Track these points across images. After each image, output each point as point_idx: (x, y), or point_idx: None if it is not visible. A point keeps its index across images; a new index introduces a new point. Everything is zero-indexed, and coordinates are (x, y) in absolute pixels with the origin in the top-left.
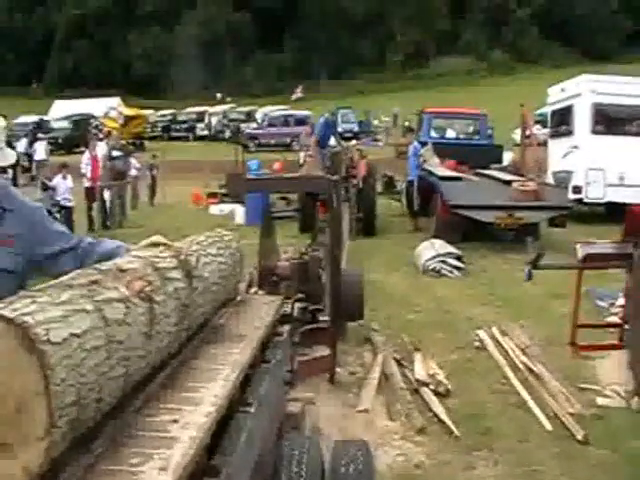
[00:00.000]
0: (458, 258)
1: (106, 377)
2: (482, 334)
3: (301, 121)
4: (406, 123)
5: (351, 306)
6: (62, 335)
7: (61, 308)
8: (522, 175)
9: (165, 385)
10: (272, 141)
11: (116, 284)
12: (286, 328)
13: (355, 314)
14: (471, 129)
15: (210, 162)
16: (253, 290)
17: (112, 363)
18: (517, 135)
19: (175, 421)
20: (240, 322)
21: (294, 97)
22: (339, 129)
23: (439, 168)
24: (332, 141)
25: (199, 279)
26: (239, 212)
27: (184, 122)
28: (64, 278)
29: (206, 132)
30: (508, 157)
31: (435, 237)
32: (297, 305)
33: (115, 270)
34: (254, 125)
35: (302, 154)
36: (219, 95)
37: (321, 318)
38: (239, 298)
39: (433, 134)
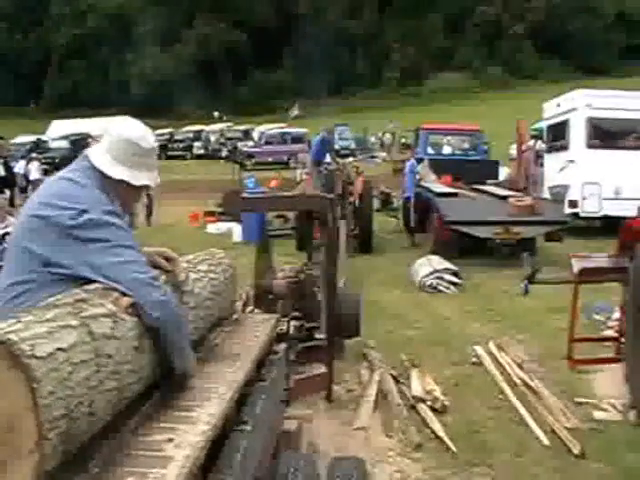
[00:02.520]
0: (455, 274)
1: (97, 391)
2: (479, 350)
3: (298, 139)
4: (402, 140)
5: (348, 323)
6: (47, 350)
7: (46, 325)
8: (518, 190)
9: (160, 404)
10: (269, 159)
11: (102, 301)
12: (282, 346)
13: (352, 331)
14: (467, 145)
15: (207, 180)
16: (249, 309)
17: (102, 377)
18: (513, 150)
19: (170, 440)
20: (236, 340)
21: (292, 115)
22: (336, 146)
23: (436, 184)
24: (328, 158)
25: (189, 294)
26: (236, 230)
27: (181, 141)
28: (50, 299)
29: (203, 151)
30: (504, 172)
31: (432, 253)
32: (293, 323)
33: (101, 288)
34: (251, 143)
35: (299, 172)
36: (216, 114)
37: (317, 336)
38: (235, 317)
39: (430, 150)
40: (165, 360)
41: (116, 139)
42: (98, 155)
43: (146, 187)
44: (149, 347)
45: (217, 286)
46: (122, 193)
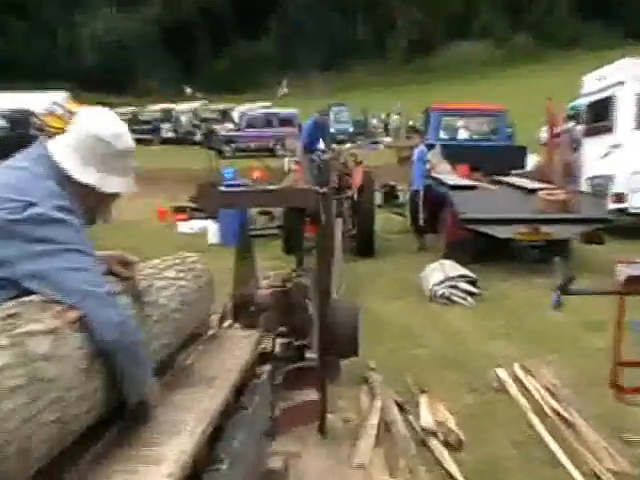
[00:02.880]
0: (472, 282)
1: (33, 424)
2: (502, 373)
3: (286, 121)
4: (410, 123)
5: (344, 341)
6: None
7: None
8: (549, 182)
9: (116, 440)
10: (252, 145)
11: (40, 315)
12: (266, 368)
13: (349, 350)
14: (488, 128)
15: (178, 170)
16: (227, 323)
17: (40, 406)
18: (544, 134)
19: None
20: (211, 361)
21: (279, 93)
22: (331, 130)
23: (449, 175)
24: (321, 145)
25: (153, 305)
26: (212, 230)
27: (147, 122)
28: None
29: (172, 134)
30: (532, 160)
31: (445, 257)
32: (279, 341)
33: (40, 301)
34: (230, 126)
35: (287, 161)
36: (189, 90)
37: (308, 356)
38: (210, 333)
39: (442, 135)
40: (120, 391)
41: (84, 135)
42: (61, 151)
43: (116, 195)
44: (101, 369)
45: (188, 296)
46: (86, 198)
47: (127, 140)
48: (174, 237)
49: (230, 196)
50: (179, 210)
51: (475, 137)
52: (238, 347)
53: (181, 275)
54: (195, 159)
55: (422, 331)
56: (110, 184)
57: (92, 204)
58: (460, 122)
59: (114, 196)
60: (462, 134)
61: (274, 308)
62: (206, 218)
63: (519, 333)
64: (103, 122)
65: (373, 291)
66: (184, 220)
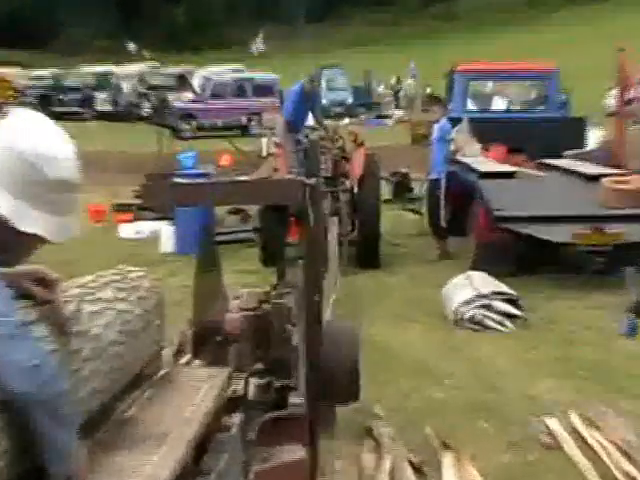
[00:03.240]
0: (512, 301)
1: None
2: (553, 423)
3: (264, 89)
4: (428, 89)
5: (341, 381)
6: None
7: None
8: (618, 165)
9: None
10: (218, 121)
11: None
12: (237, 418)
13: (347, 393)
14: (533, 95)
15: (118, 155)
16: (185, 359)
17: None
18: (612, 100)
19: None
20: (162, 411)
21: (253, 50)
22: (323, 101)
23: (480, 159)
24: (310, 120)
25: (82, 338)
26: (166, 235)
27: (74, 90)
28: None
29: (111, 107)
30: (595, 137)
31: (474, 268)
32: (254, 381)
33: None
34: (189, 96)
35: (265, 141)
36: (132, 47)
37: (293, 401)
38: (162, 372)
39: (471, 106)
40: (36, 455)
41: (7, 153)
42: None
43: (40, 239)
44: (11, 425)
45: (131, 323)
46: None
47: (66, 168)
48: (114, 245)
49: (187, 190)
50: (121, 209)
51: (515, 108)
52: (199, 391)
53: (121, 296)
54: (142, 140)
55: (445, 367)
56: (28, 220)
57: (7, 239)
58: (495, 88)
59: (36, 239)
60: (498, 104)
61: (247, 338)
62: (158, 219)
63: (577, 369)
64: (33, 135)
65: (379, 314)
66: (128, 222)
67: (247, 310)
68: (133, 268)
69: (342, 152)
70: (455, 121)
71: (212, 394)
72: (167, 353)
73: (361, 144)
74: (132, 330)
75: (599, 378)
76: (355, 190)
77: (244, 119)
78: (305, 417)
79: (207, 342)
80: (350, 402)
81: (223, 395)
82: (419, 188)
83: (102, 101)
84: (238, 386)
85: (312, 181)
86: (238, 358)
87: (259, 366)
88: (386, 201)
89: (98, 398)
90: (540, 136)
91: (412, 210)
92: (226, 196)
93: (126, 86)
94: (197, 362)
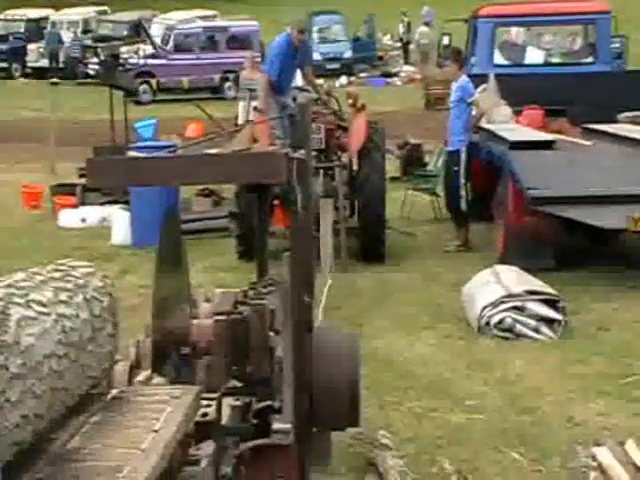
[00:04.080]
0: (551, 303)
1: None
2: (603, 453)
3: (241, 41)
4: (445, 40)
5: (336, 401)
6: None
7: None
8: None
9: None
10: (185, 81)
11: None
12: (208, 449)
13: (344, 416)
14: (578, 44)
15: (59, 124)
16: (142, 376)
17: None
18: None
19: None
20: (113, 441)
21: None
22: (315, 55)
23: (510, 126)
24: (299, 79)
25: (10, 350)
26: (119, 223)
27: (1, 39)
28: None
29: (47, 61)
30: None
31: (503, 262)
32: (229, 402)
33: None
34: (148, 49)
35: (242, 106)
36: None
37: (277, 426)
38: (113, 392)
39: (499, 59)
40: None
41: None
42: None
43: None
44: None
45: (74, 332)
46: None
47: None
48: (54, 235)
49: (143, 167)
50: (62, 191)
51: (555, 60)
52: (159, 415)
53: (63, 298)
54: (88, 105)
55: (466, 385)
56: None
57: None
58: (529, 35)
59: None
60: (533, 56)
61: (220, 349)
62: (109, 203)
63: (633, 388)
64: None
65: (385, 320)
66: (71, 207)
67: (220, 315)
68: (79, 263)
69: (338, 119)
70: (479, 79)
71: (176, 419)
72: (121, 368)
73: (361, 108)
74: (76, 340)
75: None
76: (354, 166)
77: (216, 78)
78: (292, 447)
79: (170, 354)
80: (348, 428)
81: (190, 420)
82: (434, 163)
83: (36, 54)
84: (209, 408)
85: (299, 154)
86: (209, 374)
87: (235, 384)
88: (393, 179)
89: (31, 427)
90: (587, 95)
91: (425, 190)
92: (192, 174)
93: (67, 36)
94: (158, 379)
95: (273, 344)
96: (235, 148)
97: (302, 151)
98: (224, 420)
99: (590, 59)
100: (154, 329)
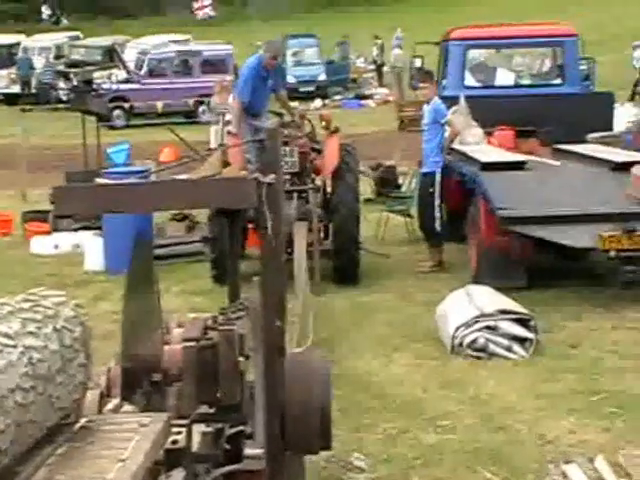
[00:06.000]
0: (523, 321)
1: None
2: (574, 472)
3: (215, 64)
4: (416, 62)
5: (308, 425)
6: None
7: None
8: None
9: None
10: (159, 105)
11: None
12: (178, 476)
13: (316, 439)
14: (547, 66)
15: (32, 150)
16: (112, 404)
17: None
18: None
19: None
20: (78, 471)
21: (200, 15)
22: (290, 78)
23: (482, 147)
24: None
25: None
26: (92, 249)
27: None
28: None
29: (19, 87)
30: (625, 115)
31: (476, 281)
32: (200, 429)
33: None
34: (121, 74)
35: (214, 130)
36: (46, 12)
37: (249, 452)
38: (82, 421)
39: (470, 81)
40: None
41: None
42: None
43: None
44: None
45: (43, 364)
46: None
47: None
48: (25, 262)
49: (110, 193)
50: (33, 217)
51: (525, 82)
52: (127, 443)
53: (31, 329)
54: (60, 130)
55: (440, 405)
56: None
57: None
58: (499, 57)
59: None
60: (503, 77)
61: (189, 375)
62: (82, 229)
63: (604, 405)
64: None
65: (359, 341)
66: (43, 233)
67: (189, 340)
68: (51, 292)
69: (312, 142)
70: (450, 101)
71: (143, 447)
72: (91, 397)
73: (335, 131)
74: (44, 372)
75: (632, 415)
76: (328, 189)
77: (191, 102)
78: (264, 472)
79: (139, 383)
80: (319, 451)
81: (159, 447)
82: (408, 184)
83: (7, 80)
84: (179, 436)
85: (269, 179)
86: (179, 400)
87: (205, 410)
88: (367, 201)
89: None
90: (556, 116)
91: (399, 212)
92: (160, 200)
93: (38, 61)
94: (127, 407)
95: (242, 369)
96: (204, 173)
97: (272, 176)
98: (194, 447)
99: (559, 81)
100: (123, 356)
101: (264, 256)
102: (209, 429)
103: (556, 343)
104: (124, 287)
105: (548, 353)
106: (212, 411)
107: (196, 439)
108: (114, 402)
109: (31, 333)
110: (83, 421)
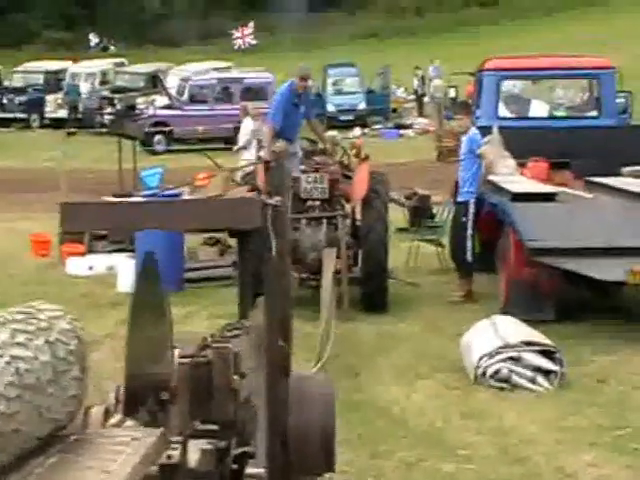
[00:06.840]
0: (548, 353)
1: None
2: None
3: (256, 91)
4: (451, 92)
5: (311, 445)
6: None
7: None
8: None
9: None
10: (199, 130)
11: None
12: None
13: (319, 461)
14: (583, 98)
15: (74, 173)
16: (114, 419)
17: None
18: None
19: None
20: None
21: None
22: (330, 107)
23: (514, 177)
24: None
25: None
26: (125, 270)
27: (19, 91)
28: None
29: (66, 112)
30: None
31: (503, 312)
32: (197, 446)
33: None
34: (163, 100)
35: (246, 155)
36: (94, 40)
37: (250, 471)
38: (76, 434)
39: (503, 111)
40: None
41: None
42: None
43: None
44: None
45: (31, 374)
46: None
47: None
48: (61, 283)
49: (112, 211)
50: (70, 238)
51: (560, 114)
52: (116, 456)
53: (20, 339)
54: (104, 154)
55: (460, 434)
56: None
57: None
58: (534, 89)
59: None
60: (537, 109)
61: (186, 392)
62: (116, 251)
63: (629, 441)
64: None
65: (383, 367)
66: (78, 255)
67: (185, 357)
68: (49, 305)
69: (343, 169)
70: (484, 131)
71: (133, 460)
72: (96, 413)
73: (365, 159)
74: (33, 383)
75: None
76: (357, 216)
77: (230, 129)
78: None
79: (143, 400)
80: (324, 472)
81: (150, 462)
82: (442, 214)
83: (54, 105)
84: (174, 452)
85: (275, 201)
86: (181, 418)
87: (204, 426)
88: (401, 230)
89: None
90: (591, 148)
91: (431, 241)
92: (164, 219)
93: (85, 87)
94: (129, 423)
95: (237, 387)
96: (210, 194)
97: (278, 197)
98: (192, 463)
99: (595, 113)
100: (126, 374)
101: (268, 277)
102: (208, 447)
103: (583, 376)
104: (129, 307)
105: (574, 386)
106: (212, 429)
107: (193, 455)
108: (116, 418)
109: (19, 344)
110: (77, 434)
